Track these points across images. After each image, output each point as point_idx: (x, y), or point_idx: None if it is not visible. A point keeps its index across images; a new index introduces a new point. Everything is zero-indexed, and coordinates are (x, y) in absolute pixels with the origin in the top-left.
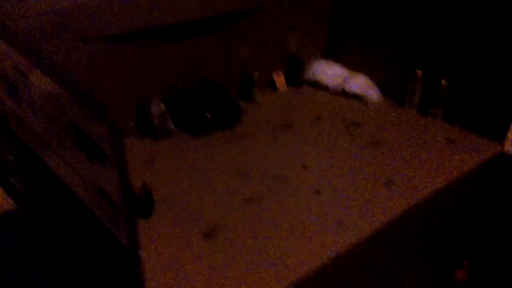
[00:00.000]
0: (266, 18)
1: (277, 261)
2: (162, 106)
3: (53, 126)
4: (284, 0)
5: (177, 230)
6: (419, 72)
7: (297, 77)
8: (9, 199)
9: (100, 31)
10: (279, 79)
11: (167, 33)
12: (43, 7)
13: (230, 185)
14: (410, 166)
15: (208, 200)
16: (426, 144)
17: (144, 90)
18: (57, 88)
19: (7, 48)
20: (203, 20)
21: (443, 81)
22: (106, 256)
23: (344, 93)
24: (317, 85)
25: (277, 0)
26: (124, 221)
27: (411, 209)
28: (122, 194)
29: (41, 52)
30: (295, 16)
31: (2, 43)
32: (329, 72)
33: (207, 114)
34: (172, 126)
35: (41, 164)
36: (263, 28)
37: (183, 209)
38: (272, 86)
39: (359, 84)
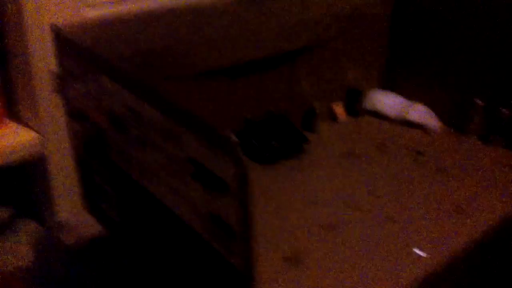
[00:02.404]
0: (327, 52)
1: (354, 286)
2: (234, 137)
3: (166, 160)
4: (345, 34)
5: (260, 256)
6: (479, 101)
7: (356, 107)
8: (99, 226)
9: (181, 70)
10: (339, 110)
11: (237, 69)
12: (131, 49)
13: (305, 213)
14: (477, 193)
15: (286, 227)
16: (491, 171)
17: (216, 123)
18: (173, 123)
19: (117, 86)
20: (271, 58)
21: (504, 110)
22: (214, 279)
23: (404, 122)
24: (376, 115)
25: (339, 36)
26: (242, 248)
27: (483, 235)
28: (244, 223)
29: (155, 90)
30: (354, 49)
31: (110, 81)
32: (388, 102)
33: (274, 144)
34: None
35: (142, 192)
36: (324, 61)
37: (263, 236)
38: (332, 116)
39: (419, 113)
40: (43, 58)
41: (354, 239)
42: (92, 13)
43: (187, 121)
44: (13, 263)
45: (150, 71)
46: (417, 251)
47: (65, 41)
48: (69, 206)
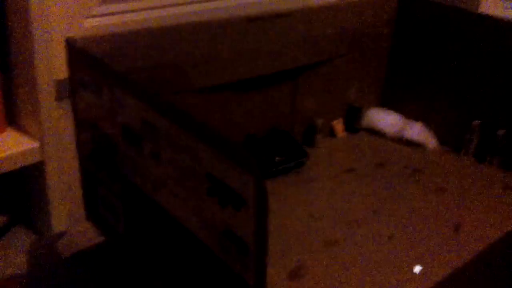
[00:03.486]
0: (330, 70)
1: None
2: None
3: (181, 175)
4: (347, 53)
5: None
6: (476, 122)
7: (355, 124)
8: (97, 237)
9: (189, 85)
10: (339, 127)
11: (242, 85)
12: (140, 63)
13: (307, 228)
14: (476, 212)
15: (288, 242)
16: (488, 191)
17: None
18: (190, 138)
19: (132, 98)
20: (274, 74)
21: (501, 131)
22: None
23: (402, 140)
24: (374, 132)
25: (344, 54)
26: (255, 264)
27: (482, 254)
28: (259, 240)
29: (171, 103)
30: (357, 67)
31: (125, 93)
32: (386, 120)
33: (277, 158)
34: None
35: (153, 205)
36: (327, 79)
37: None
38: (332, 133)
39: (417, 131)
40: (48, 67)
41: (355, 256)
42: (99, 23)
43: (204, 134)
44: (9, 271)
45: (159, 85)
46: (417, 269)
47: (79, 52)
48: (67, 216)
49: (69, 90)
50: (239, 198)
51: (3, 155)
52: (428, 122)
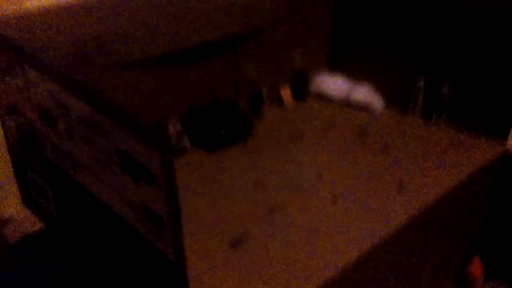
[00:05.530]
0: (271, 37)
1: (301, 266)
2: (178, 125)
3: (95, 153)
4: (287, 20)
5: (204, 241)
6: (421, 80)
7: (302, 91)
8: (37, 221)
9: (118, 59)
10: (286, 94)
11: (180, 57)
12: (64, 38)
13: (251, 196)
14: (420, 170)
15: (232, 211)
16: (433, 148)
17: (161, 112)
18: (100, 116)
19: (42, 78)
20: (213, 43)
21: (445, 88)
22: (148, 269)
23: (349, 104)
24: (322, 98)
25: (280, 21)
26: (171, 237)
27: (424, 210)
28: (171, 212)
29: (81, 81)
30: (298, 33)
31: (36, 73)
32: (333, 84)
33: (221, 131)
34: (187, 144)
35: (76, 187)
36: (268, 46)
37: (209, 221)
38: (279, 101)
39: (363, 93)
40: None
41: (299, 221)
42: (29, 4)
43: (112, 112)
44: None
45: (85, 60)
46: None
47: None
48: (12, 202)
49: None
50: (148, 173)
51: None
52: (375, 83)
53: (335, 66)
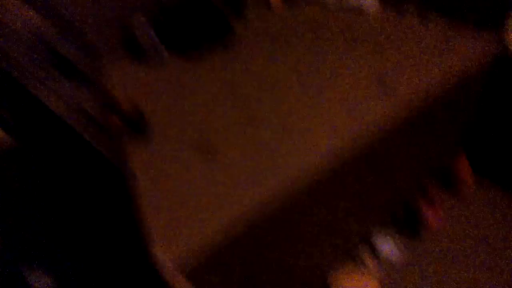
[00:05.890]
0: None
1: (275, 170)
2: (147, 27)
3: (35, 55)
4: None
5: (174, 151)
6: None
7: None
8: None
9: None
10: None
11: None
12: None
13: (226, 105)
14: (409, 67)
15: (205, 120)
16: (426, 46)
17: (128, 10)
18: (39, 17)
19: None
20: None
21: None
22: (98, 176)
23: (341, 7)
24: (313, 2)
25: None
26: (107, 139)
27: (409, 108)
28: (100, 109)
29: None
30: None
31: None
32: None
33: (198, 36)
34: (164, 53)
35: (27, 94)
36: None
37: (181, 130)
38: (267, 4)
39: None
40: None
41: (273, 129)
42: None
43: (49, 13)
44: None
45: None
46: None
47: None
48: None
49: None
50: (80, 72)
51: None
52: None
53: None
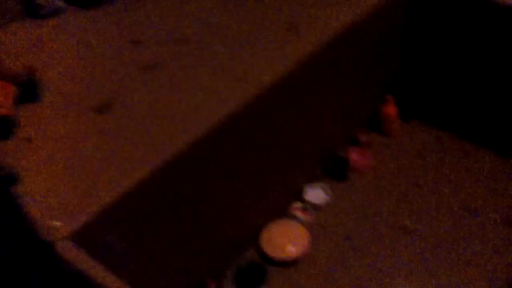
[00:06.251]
0: None
1: (176, 120)
2: None
3: None
4: None
5: (68, 109)
6: None
7: None
8: None
9: None
10: None
11: None
12: None
13: (123, 56)
14: (320, 7)
15: (99, 75)
16: None
17: None
18: None
19: None
20: None
21: None
22: None
23: None
24: None
25: None
26: None
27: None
28: None
29: None
30: None
31: None
32: None
33: None
34: (61, 4)
35: None
36: None
37: (74, 88)
38: None
39: None
40: None
41: (174, 79)
42: None
43: None
44: None
45: None
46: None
47: None
48: None
49: None
50: None
51: None
52: None
53: None
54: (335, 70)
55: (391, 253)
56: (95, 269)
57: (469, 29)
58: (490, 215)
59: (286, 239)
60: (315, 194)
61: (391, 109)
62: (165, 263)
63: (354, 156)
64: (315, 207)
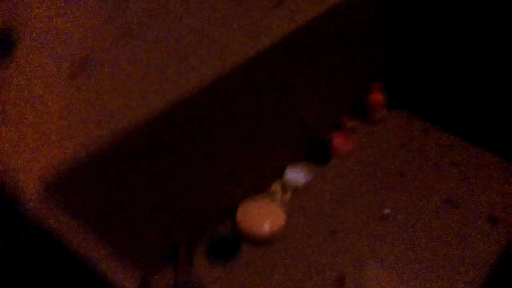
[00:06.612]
0: None
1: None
2: None
3: None
4: None
5: (40, 70)
6: None
7: None
8: None
9: None
10: None
11: None
12: None
13: (103, 14)
14: None
15: (76, 34)
16: None
17: None
18: None
19: None
20: None
21: None
22: None
23: None
24: None
25: None
26: None
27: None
28: None
29: None
30: None
31: None
32: None
33: None
34: None
35: None
36: None
37: (46, 48)
38: None
39: None
40: None
41: (155, 40)
42: None
43: None
44: None
45: None
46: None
47: None
48: None
49: None
50: None
51: None
52: None
53: None
54: (321, 49)
55: (367, 238)
56: (65, 226)
57: (460, 19)
58: (472, 209)
59: (262, 217)
60: (296, 175)
61: (378, 97)
62: (138, 226)
63: (338, 141)
64: (295, 187)
